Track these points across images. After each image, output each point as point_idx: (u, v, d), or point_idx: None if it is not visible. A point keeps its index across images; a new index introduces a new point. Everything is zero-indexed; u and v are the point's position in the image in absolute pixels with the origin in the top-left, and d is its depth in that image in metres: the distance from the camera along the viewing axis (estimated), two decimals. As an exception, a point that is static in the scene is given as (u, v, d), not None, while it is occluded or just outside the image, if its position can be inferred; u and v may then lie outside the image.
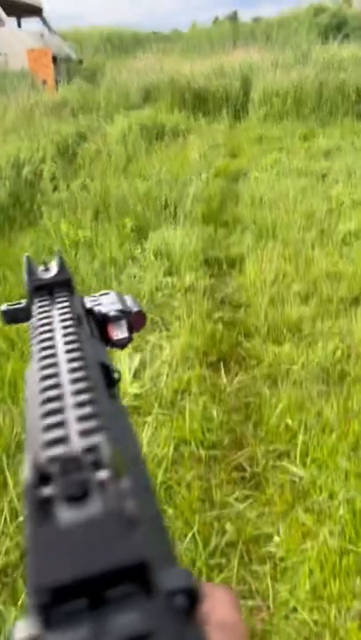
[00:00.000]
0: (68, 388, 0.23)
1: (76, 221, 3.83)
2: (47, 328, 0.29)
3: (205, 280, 3.16)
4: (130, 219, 3.88)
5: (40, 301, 0.33)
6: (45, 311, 0.32)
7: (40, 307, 0.33)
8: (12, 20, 12.13)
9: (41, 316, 0.31)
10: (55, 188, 4.54)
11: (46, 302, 0.33)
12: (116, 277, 3.17)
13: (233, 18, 27.40)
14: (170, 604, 0.17)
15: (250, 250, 3.50)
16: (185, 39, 19.26)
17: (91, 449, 0.19)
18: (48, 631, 0.15)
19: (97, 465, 0.18)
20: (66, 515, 0.17)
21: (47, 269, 0.36)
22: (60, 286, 0.35)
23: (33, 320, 0.32)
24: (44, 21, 13.01)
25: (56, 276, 0.35)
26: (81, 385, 0.23)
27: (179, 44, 18.14)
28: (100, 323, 0.39)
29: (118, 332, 0.39)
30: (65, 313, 0.31)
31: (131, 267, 3.35)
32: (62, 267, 0.36)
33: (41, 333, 0.29)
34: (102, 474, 0.18)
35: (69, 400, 0.22)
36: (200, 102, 7.37)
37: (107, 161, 5.14)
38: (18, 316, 0.37)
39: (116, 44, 16.04)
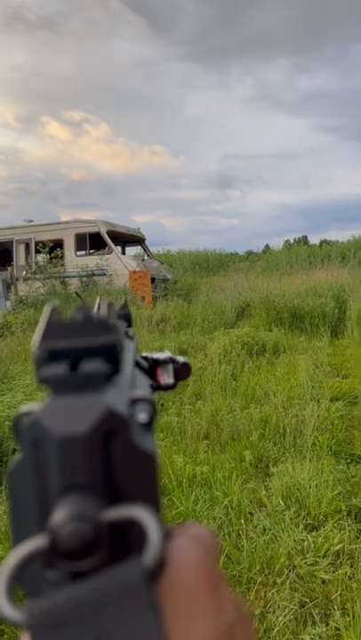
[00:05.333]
0: None
1: (190, 452, 3.44)
2: None
3: (357, 544, 2.54)
4: (248, 450, 3.46)
5: None
6: None
7: None
8: (118, 248, 13.81)
9: None
10: (162, 407, 4.28)
11: None
12: (246, 534, 2.61)
13: (304, 241, 30.16)
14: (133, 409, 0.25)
15: None
16: (263, 260, 21.01)
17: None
18: (43, 370, 0.24)
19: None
20: (70, 319, 0.26)
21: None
22: (121, 317, 0.43)
23: None
24: (145, 248, 14.74)
25: (119, 310, 0.44)
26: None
27: (258, 263, 19.77)
28: (151, 366, 0.44)
29: (165, 377, 0.44)
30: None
31: (258, 515, 2.80)
32: (126, 305, 0.47)
33: None
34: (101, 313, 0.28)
35: None
36: (296, 320, 7.42)
37: (212, 379, 4.95)
38: None
39: (203, 265, 17.67)
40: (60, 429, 0.22)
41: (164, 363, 0.45)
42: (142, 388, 0.35)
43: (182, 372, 0.45)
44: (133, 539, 0.22)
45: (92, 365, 0.24)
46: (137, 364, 0.41)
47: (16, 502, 0.24)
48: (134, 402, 0.26)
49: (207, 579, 0.25)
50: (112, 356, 0.25)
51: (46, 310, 0.27)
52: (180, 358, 0.46)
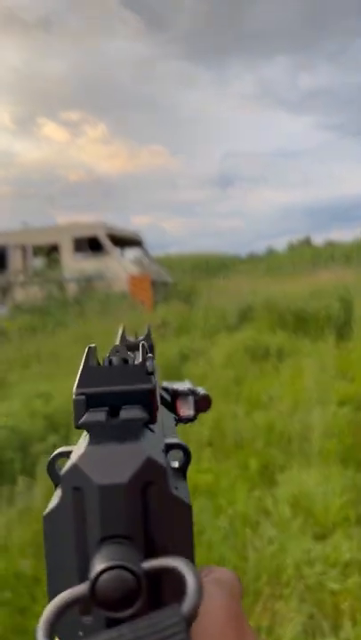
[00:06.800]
0: None
1: (193, 460, 3.37)
2: None
3: (368, 552, 2.46)
4: (253, 457, 3.39)
5: None
6: None
7: None
8: (117, 250, 13.76)
9: None
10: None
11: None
12: (252, 544, 2.54)
13: (307, 242, 30.06)
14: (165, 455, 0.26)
15: None
16: (265, 261, 20.97)
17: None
18: (81, 418, 0.25)
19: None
20: (108, 363, 0.28)
21: (137, 338, 0.46)
22: None
23: None
24: (144, 251, 14.71)
25: (142, 339, 0.44)
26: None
27: (260, 265, 19.72)
28: (171, 398, 0.44)
29: (185, 409, 0.43)
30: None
31: (264, 524, 2.73)
32: (149, 334, 0.46)
33: None
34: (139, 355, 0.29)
35: None
36: (300, 323, 7.35)
37: (215, 384, 4.88)
38: None
39: (203, 268, 17.63)
40: (101, 479, 0.23)
41: (183, 394, 0.44)
42: (171, 429, 0.36)
43: (202, 404, 0.45)
44: (169, 588, 0.23)
45: (131, 412, 0.25)
46: (161, 399, 0.41)
47: (52, 546, 0.25)
48: (168, 448, 0.27)
49: (233, 624, 0.26)
50: (149, 403, 0.26)
51: (85, 352, 0.28)
52: (201, 390, 0.45)
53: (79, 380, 0.26)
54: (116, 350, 0.28)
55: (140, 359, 0.27)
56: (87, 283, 12.01)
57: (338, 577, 2.34)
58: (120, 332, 0.45)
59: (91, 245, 13.24)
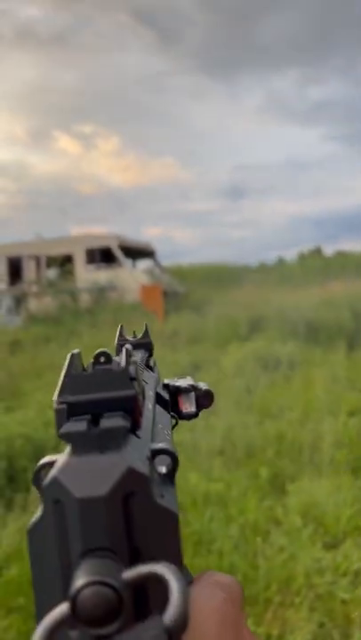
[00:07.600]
0: None
1: (204, 468, 3.40)
2: None
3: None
4: (264, 466, 3.41)
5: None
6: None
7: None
8: (129, 261, 13.89)
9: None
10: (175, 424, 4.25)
11: None
12: (263, 553, 2.57)
13: (317, 252, 30.01)
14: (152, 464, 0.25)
15: None
16: (276, 272, 20.92)
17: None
18: (64, 426, 0.24)
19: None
20: (90, 369, 0.26)
21: (135, 337, 0.46)
22: (142, 347, 0.45)
23: None
24: (156, 262, 14.82)
25: (140, 339, 0.45)
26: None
27: (271, 276, 19.67)
28: (173, 395, 0.43)
29: (187, 405, 0.43)
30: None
31: (275, 533, 2.75)
32: (146, 333, 0.46)
33: None
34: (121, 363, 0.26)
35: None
36: (311, 333, 7.36)
37: (226, 393, 4.92)
38: None
39: (214, 278, 17.67)
40: (80, 491, 0.22)
41: (185, 391, 0.44)
42: (164, 429, 0.35)
43: (204, 399, 0.44)
44: (156, 596, 0.22)
45: (112, 421, 0.24)
46: (158, 397, 0.40)
47: (37, 561, 0.24)
48: (155, 454, 0.26)
49: (229, 627, 0.24)
50: (132, 409, 0.25)
51: (67, 358, 0.27)
52: (203, 385, 0.45)
53: (60, 388, 0.26)
54: (100, 355, 0.27)
55: (124, 364, 0.27)
56: (100, 293, 12.12)
57: (348, 586, 2.35)
58: (118, 331, 0.44)
59: (103, 256, 13.38)
